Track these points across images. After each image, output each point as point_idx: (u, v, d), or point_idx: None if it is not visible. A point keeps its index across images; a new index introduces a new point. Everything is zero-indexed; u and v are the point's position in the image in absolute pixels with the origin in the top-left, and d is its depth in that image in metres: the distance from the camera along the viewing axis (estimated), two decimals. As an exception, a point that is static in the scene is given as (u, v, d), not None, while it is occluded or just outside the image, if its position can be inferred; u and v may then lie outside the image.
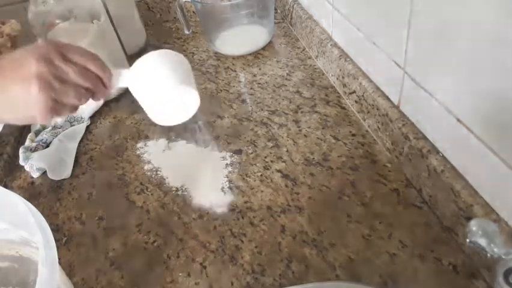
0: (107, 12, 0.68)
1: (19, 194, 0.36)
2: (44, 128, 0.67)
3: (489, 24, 0.32)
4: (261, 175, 0.53)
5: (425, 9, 0.40)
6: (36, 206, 0.35)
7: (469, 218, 0.38)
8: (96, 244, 0.49)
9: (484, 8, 0.32)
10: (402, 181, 0.49)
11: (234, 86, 0.72)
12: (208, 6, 0.78)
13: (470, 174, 0.39)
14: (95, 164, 0.61)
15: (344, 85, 0.62)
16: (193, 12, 0.95)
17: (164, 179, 0.56)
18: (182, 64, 0.44)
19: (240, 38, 0.79)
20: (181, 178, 0.55)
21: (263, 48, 0.80)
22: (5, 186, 0.60)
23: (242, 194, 0.51)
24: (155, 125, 0.66)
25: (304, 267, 0.42)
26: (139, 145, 0.63)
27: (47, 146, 0.64)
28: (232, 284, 0.42)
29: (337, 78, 0.65)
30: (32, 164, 0.60)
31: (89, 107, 0.69)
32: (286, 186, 0.51)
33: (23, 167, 0.61)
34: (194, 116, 0.66)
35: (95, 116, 0.70)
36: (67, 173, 0.60)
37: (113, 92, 0.72)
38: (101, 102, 0.70)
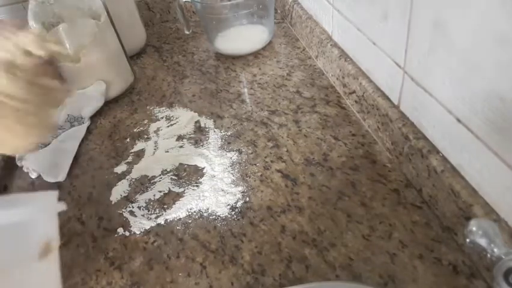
0: (107, 12, 0.68)
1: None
2: (44, 128, 0.67)
3: (489, 24, 0.32)
4: (261, 175, 0.53)
5: (425, 9, 0.40)
6: (36, 206, 0.35)
7: (469, 218, 0.38)
8: (96, 244, 0.49)
9: (484, 8, 0.32)
10: (402, 181, 0.49)
11: (234, 86, 0.72)
12: (208, 6, 0.78)
13: (470, 174, 0.39)
14: (95, 164, 0.61)
15: (344, 85, 0.62)
16: (193, 12, 0.95)
17: (164, 179, 0.56)
18: None
19: (240, 38, 0.79)
20: (181, 178, 0.55)
21: (263, 48, 0.80)
22: (5, 187, 0.60)
23: (242, 194, 0.51)
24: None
25: (304, 267, 0.42)
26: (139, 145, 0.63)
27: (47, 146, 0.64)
28: (232, 284, 0.42)
29: (337, 78, 0.65)
30: (27, 165, 0.60)
31: (89, 107, 0.69)
32: (286, 186, 0.51)
33: (22, 166, 0.61)
34: (194, 116, 0.66)
35: (95, 116, 0.70)
36: (61, 175, 0.59)
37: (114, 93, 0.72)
38: (101, 102, 0.70)
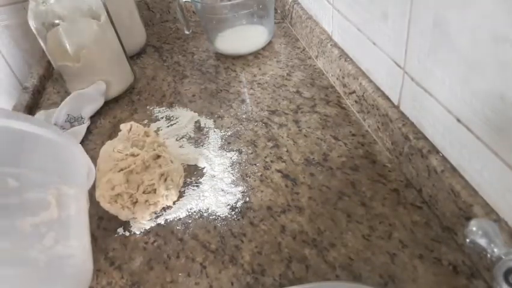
0: (107, 12, 0.68)
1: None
2: (44, 128, 0.67)
3: (489, 23, 0.32)
4: (261, 175, 0.53)
5: (425, 9, 0.40)
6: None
7: (469, 218, 0.38)
8: (96, 244, 0.49)
9: (484, 8, 0.32)
10: (402, 181, 0.49)
11: (234, 86, 0.72)
12: (208, 6, 0.78)
13: (470, 174, 0.39)
14: (95, 164, 0.61)
15: (344, 85, 0.62)
16: (193, 12, 0.95)
17: (164, 179, 0.56)
18: None
19: (240, 38, 0.79)
20: (181, 178, 0.55)
21: (263, 48, 0.80)
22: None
23: (242, 194, 0.51)
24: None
25: (305, 267, 0.42)
26: (139, 145, 0.63)
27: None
28: (232, 284, 0.42)
29: (337, 78, 0.65)
30: None
31: (89, 107, 0.69)
32: (286, 186, 0.51)
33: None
34: (194, 116, 0.66)
35: (95, 116, 0.70)
36: None
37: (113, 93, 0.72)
38: (101, 102, 0.70)
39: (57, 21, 0.65)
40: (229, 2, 0.78)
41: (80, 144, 0.42)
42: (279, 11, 0.91)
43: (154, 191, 0.50)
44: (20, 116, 0.38)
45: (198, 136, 0.62)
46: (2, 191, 0.34)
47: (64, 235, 0.39)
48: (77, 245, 0.41)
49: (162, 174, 0.50)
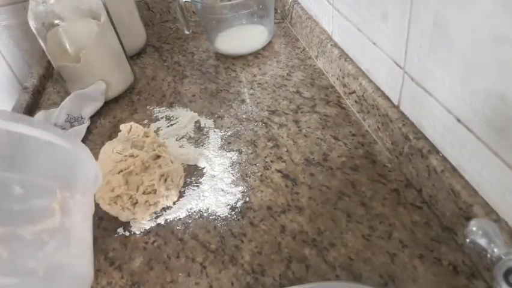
0: (107, 12, 0.68)
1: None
2: (44, 128, 0.67)
3: (489, 23, 0.32)
4: (261, 175, 0.53)
5: (425, 9, 0.40)
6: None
7: (469, 218, 0.38)
8: (96, 244, 0.49)
9: (484, 8, 0.32)
10: (402, 181, 0.49)
11: (234, 86, 0.72)
12: (208, 6, 0.78)
13: (470, 174, 0.39)
14: (95, 164, 0.61)
15: (344, 85, 0.62)
16: (193, 12, 0.95)
17: (164, 179, 0.56)
18: None
19: (240, 38, 0.79)
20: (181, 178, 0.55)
21: (263, 48, 0.80)
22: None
23: (242, 194, 0.51)
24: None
25: (305, 267, 0.42)
26: (139, 145, 0.63)
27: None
28: (232, 284, 0.42)
29: (337, 78, 0.65)
30: None
31: (89, 107, 0.69)
32: (286, 186, 0.51)
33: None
34: (194, 116, 0.66)
35: (95, 116, 0.70)
36: None
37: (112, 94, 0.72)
38: (101, 102, 0.70)
39: (57, 21, 0.65)
40: (229, 2, 0.78)
41: (87, 147, 0.41)
42: (279, 11, 0.91)
43: (154, 191, 0.50)
44: (24, 120, 0.37)
45: (198, 136, 0.62)
46: (6, 197, 0.33)
47: (65, 243, 0.38)
48: (78, 253, 0.40)
49: (162, 175, 0.50)
